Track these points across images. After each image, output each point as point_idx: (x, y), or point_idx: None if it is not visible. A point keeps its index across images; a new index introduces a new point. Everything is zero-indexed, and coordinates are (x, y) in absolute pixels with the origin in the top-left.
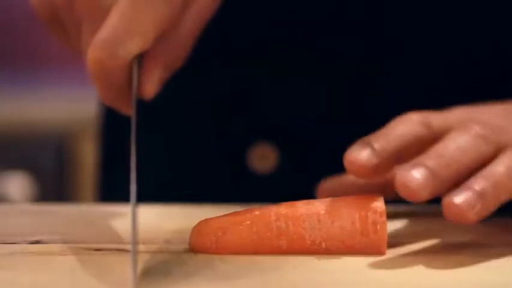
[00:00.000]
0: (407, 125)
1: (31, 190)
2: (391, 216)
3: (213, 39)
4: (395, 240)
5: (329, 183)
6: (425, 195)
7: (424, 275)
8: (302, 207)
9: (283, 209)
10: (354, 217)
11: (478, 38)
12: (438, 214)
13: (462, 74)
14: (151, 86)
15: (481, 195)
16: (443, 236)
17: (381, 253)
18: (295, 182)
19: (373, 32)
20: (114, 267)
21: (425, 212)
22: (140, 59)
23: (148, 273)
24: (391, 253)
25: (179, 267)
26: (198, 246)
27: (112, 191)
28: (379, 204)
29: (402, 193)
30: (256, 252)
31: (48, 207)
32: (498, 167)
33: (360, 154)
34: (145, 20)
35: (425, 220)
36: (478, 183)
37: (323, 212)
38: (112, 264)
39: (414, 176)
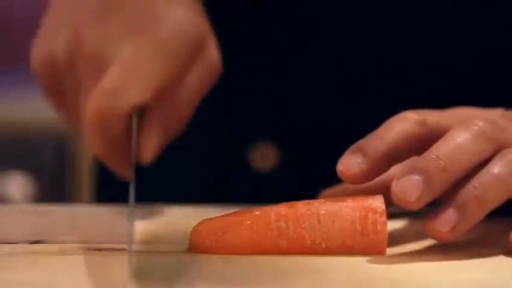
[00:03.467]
0: (401, 124)
1: (31, 190)
2: (391, 216)
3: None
4: (395, 240)
5: (330, 192)
6: (421, 204)
7: (424, 275)
8: (302, 207)
9: (284, 209)
10: (354, 217)
11: (481, 43)
12: None
13: (466, 77)
14: (149, 150)
15: (461, 211)
16: None
17: (381, 253)
18: (296, 181)
19: (374, 33)
20: (114, 267)
21: (425, 212)
22: (140, 121)
23: (148, 273)
24: (391, 253)
25: (179, 267)
26: (198, 246)
27: (112, 191)
28: (379, 204)
29: (398, 202)
30: (256, 252)
31: (48, 207)
32: (493, 169)
33: (350, 162)
34: (145, 72)
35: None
36: (463, 196)
37: (323, 212)
38: (112, 264)
39: (410, 186)
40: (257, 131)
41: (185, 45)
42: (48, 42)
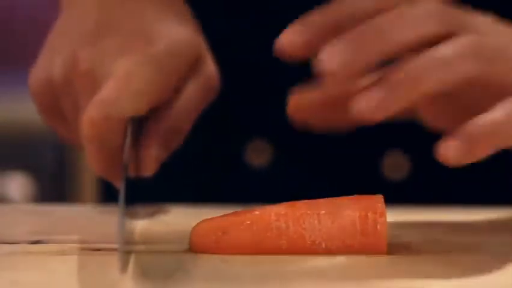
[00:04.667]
0: (357, 1)
1: (31, 190)
2: (391, 216)
3: (211, 37)
4: (395, 240)
5: (297, 99)
6: (345, 72)
7: (424, 275)
8: (302, 207)
9: (283, 209)
10: (354, 217)
11: None
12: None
13: None
14: (149, 164)
15: (390, 88)
16: (443, 236)
17: (381, 253)
18: (291, 177)
19: None
20: (114, 268)
21: (425, 212)
22: (139, 135)
23: (147, 273)
24: (391, 253)
25: (179, 267)
26: (198, 246)
27: (113, 191)
28: (379, 204)
29: (322, 74)
30: (256, 252)
31: (48, 207)
32: (439, 49)
33: (288, 32)
34: (139, 84)
35: (425, 220)
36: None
37: (323, 212)
38: (111, 264)
39: (334, 51)
40: (252, 128)
41: (178, 60)
42: (45, 67)
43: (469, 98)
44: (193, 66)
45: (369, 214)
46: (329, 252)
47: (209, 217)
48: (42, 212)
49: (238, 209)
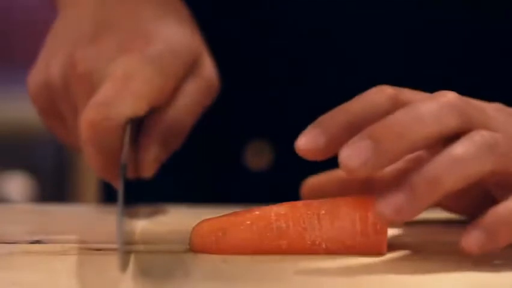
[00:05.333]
0: (370, 96)
1: (31, 190)
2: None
3: (210, 38)
4: (395, 240)
5: (315, 180)
6: (366, 171)
7: (424, 275)
8: (302, 207)
9: (283, 209)
10: (354, 217)
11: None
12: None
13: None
14: (148, 165)
15: (409, 192)
16: (443, 236)
17: (381, 253)
18: (291, 178)
19: (371, 33)
20: (114, 267)
21: (425, 212)
22: (138, 136)
23: (148, 273)
24: (391, 253)
25: (179, 267)
26: (198, 246)
27: (113, 191)
28: None
29: (343, 169)
30: (256, 252)
31: (48, 207)
32: (454, 149)
33: (309, 136)
34: (137, 85)
35: (425, 220)
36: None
37: (323, 212)
38: (112, 264)
39: (356, 150)
40: (252, 129)
41: (176, 61)
42: (43, 68)
43: (486, 186)
44: (192, 66)
45: (369, 214)
46: (329, 252)
47: (209, 217)
48: (42, 212)
49: (238, 209)
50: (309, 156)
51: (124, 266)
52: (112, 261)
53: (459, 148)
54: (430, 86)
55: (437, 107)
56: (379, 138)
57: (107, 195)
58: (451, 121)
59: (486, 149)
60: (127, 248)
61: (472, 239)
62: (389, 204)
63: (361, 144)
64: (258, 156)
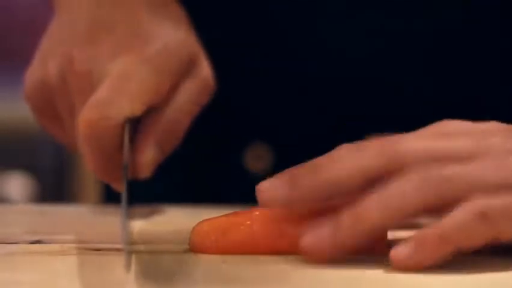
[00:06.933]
0: (344, 167)
1: (31, 190)
2: None
3: (209, 40)
4: (395, 241)
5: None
6: (327, 256)
7: (424, 275)
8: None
9: (283, 209)
10: None
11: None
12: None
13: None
14: (145, 166)
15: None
16: None
17: (381, 253)
18: None
19: (372, 34)
20: (114, 267)
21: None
22: (135, 137)
23: (148, 273)
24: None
25: (179, 267)
26: (198, 246)
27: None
28: None
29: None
30: (256, 252)
31: (48, 207)
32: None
33: (275, 189)
34: (135, 85)
35: (425, 219)
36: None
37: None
38: (112, 264)
39: (317, 240)
40: (252, 132)
41: (173, 62)
42: (40, 68)
43: None
44: (188, 66)
45: None
46: None
47: (209, 217)
48: (43, 212)
49: (238, 209)
50: (269, 206)
51: (128, 266)
52: (112, 261)
53: (392, 185)
54: (413, 81)
55: (417, 183)
56: (341, 226)
57: (107, 195)
58: (435, 195)
59: (479, 218)
60: (132, 248)
61: (400, 250)
62: (312, 236)
63: (322, 232)
64: (258, 159)
